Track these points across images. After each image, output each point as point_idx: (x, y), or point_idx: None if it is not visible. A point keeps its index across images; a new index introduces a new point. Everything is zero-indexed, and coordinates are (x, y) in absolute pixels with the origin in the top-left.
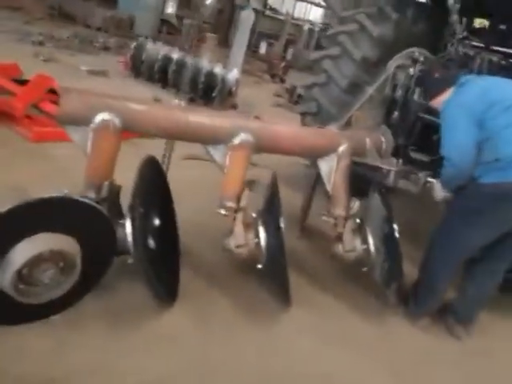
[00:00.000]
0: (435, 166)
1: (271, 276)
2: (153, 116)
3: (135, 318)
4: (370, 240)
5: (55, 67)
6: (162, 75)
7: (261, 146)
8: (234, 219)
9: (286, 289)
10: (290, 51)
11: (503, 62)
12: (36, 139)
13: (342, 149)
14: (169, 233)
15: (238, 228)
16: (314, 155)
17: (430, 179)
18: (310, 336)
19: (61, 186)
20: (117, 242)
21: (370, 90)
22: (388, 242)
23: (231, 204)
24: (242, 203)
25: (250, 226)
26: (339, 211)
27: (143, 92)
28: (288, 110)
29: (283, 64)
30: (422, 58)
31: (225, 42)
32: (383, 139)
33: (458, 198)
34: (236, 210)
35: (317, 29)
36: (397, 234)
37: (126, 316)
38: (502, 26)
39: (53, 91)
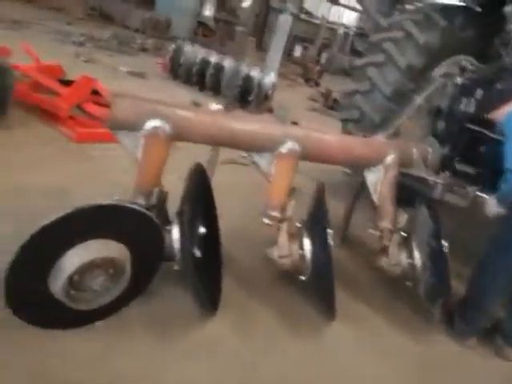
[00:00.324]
0: (482, 179)
1: (315, 289)
2: (201, 123)
3: (179, 325)
4: (416, 254)
5: (95, 68)
6: (199, 78)
7: (307, 155)
8: (279, 229)
9: (330, 303)
10: (325, 55)
11: None
12: (79, 140)
13: (389, 159)
14: (212, 240)
15: (283, 238)
16: (360, 165)
17: (479, 193)
18: (352, 351)
19: (102, 186)
20: (163, 249)
21: (419, 99)
22: (435, 257)
23: (276, 214)
24: (288, 213)
25: (294, 236)
26: (385, 224)
27: (182, 95)
28: (323, 114)
29: (318, 68)
30: (470, 67)
31: (260, 46)
32: (430, 150)
33: None
34: (281, 220)
35: (351, 33)
36: (445, 250)
37: (171, 324)
38: None
39: (96, 92)
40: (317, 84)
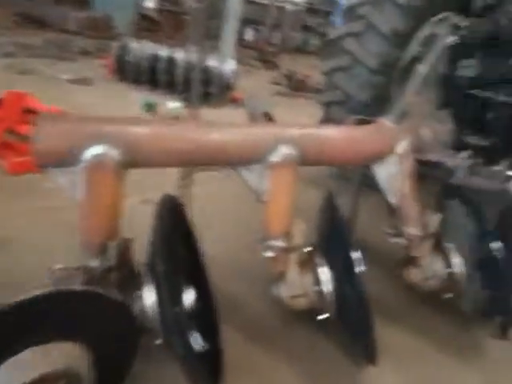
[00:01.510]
0: (498, 151)
1: (345, 329)
2: (163, 140)
3: None
4: (456, 262)
5: (32, 79)
6: (150, 76)
7: (307, 159)
8: (286, 262)
9: (369, 345)
10: (277, 35)
11: None
12: (14, 171)
13: (401, 147)
14: (200, 287)
15: (293, 273)
16: (370, 161)
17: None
18: None
19: (57, 232)
20: (138, 330)
21: (423, 69)
22: (486, 264)
23: (280, 243)
24: (296, 240)
25: (307, 267)
26: (413, 230)
27: (133, 98)
28: (291, 98)
29: (273, 49)
30: (463, 24)
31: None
32: (443, 128)
33: None
34: (288, 250)
35: (301, 9)
36: (498, 254)
37: None
38: None
39: (31, 110)
40: (276, 66)
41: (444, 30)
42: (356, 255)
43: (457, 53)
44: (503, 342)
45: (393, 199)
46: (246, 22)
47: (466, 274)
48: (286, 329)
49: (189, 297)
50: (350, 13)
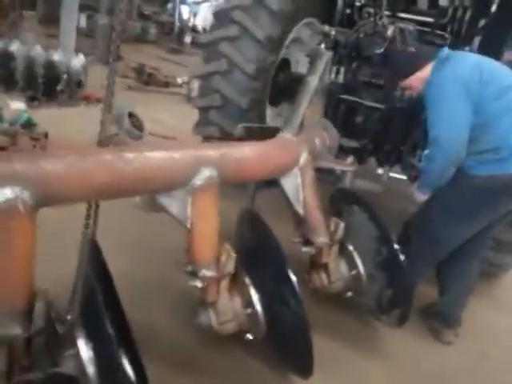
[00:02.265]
0: (368, 152)
1: (278, 347)
2: (81, 173)
3: None
4: (359, 264)
5: None
6: None
7: (226, 180)
8: (217, 290)
9: (306, 359)
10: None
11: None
12: None
13: (303, 159)
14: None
15: (224, 300)
16: (279, 175)
17: (394, 174)
18: None
19: None
20: None
21: (313, 80)
22: (388, 264)
23: (211, 272)
24: (228, 268)
25: (234, 289)
26: (322, 238)
27: None
28: (142, 92)
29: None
30: (333, 32)
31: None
32: (327, 135)
33: (445, 192)
34: (219, 279)
35: None
36: (401, 256)
37: None
38: None
39: None
40: (119, 57)
41: (309, 34)
42: (288, 269)
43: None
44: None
45: (300, 210)
46: (80, 7)
47: (368, 274)
48: (210, 352)
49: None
50: (222, 16)
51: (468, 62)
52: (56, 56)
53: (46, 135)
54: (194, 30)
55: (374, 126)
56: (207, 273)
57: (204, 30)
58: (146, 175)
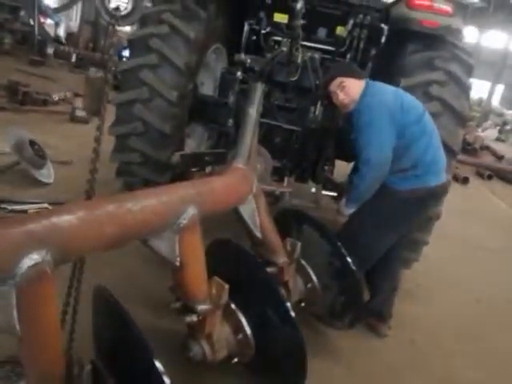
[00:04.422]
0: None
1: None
2: (96, 225)
3: None
4: (314, 278)
5: None
6: None
7: (204, 214)
8: (212, 322)
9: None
10: None
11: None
12: None
13: (255, 186)
14: None
15: (217, 330)
16: (239, 203)
17: (325, 192)
18: None
19: None
20: None
21: (254, 111)
22: (341, 275)
23: (205, 306)
24: (222, 300)
25: (224, 317)
26: (282, 258)
27: None
28: (19, 113)
29: None
30: (248, 60)
31: None
32: (261, 159)
33: (371, 206)
34: (214, 311)
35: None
36: (352, 266)
37: None
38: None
39: None
40: None
41: (214, 59)
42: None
43: (244, 87)
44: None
45: (258, 234)
46: None
47: (322, 285)
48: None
49: None
50: (138, 44)
51: (389, 91)
52: None
53: None
54: (56, 40)
55: (291, 146)
56: (203, 306)
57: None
58: (143, 221)
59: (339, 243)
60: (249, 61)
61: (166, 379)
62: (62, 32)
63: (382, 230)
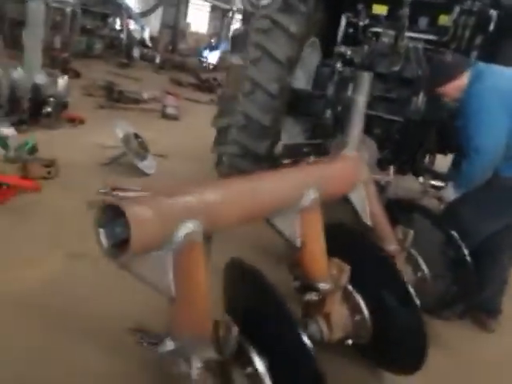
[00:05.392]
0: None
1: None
2: (234, 203)
3: None
4: (424, 267)
5: None
6: None
7: (323, 198)
8: (331, 302)
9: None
10: (58, 38)
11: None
12: None
13: (365, 174)
14: None
15: (337, 312)
16: (351, 190)
17: (433, 182)
18: None
19: None
20: None
21: (363, 99)
22: (455, 265)
23: (326, 285)
24: (342, 281)
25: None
26: (393, 245)
27: None
28: (114, 110)
29: (65, 54)
30: (348, 52)
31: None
32: (371, 148)
33: (477, 191)
34: (334, 291)
35: (78, 10)
36: (467, 257)
37: None
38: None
39: None
40: (77, 74)
41: (309, 52)
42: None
43: (344, 78)
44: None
45: (368, 221)
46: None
47: (432, 275)
48: None
49: None
50: (241, 40)
51: (505, 75)
52: (39, 79)
53: (54, 162)
54: (142, 44)
55: (391, 137)
56: (324, 286)
57: (151, 42)
58: (271, 200)
59: (453, 232)
60: (349, 52)
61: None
62: (147, 36)
63: (484, 216)
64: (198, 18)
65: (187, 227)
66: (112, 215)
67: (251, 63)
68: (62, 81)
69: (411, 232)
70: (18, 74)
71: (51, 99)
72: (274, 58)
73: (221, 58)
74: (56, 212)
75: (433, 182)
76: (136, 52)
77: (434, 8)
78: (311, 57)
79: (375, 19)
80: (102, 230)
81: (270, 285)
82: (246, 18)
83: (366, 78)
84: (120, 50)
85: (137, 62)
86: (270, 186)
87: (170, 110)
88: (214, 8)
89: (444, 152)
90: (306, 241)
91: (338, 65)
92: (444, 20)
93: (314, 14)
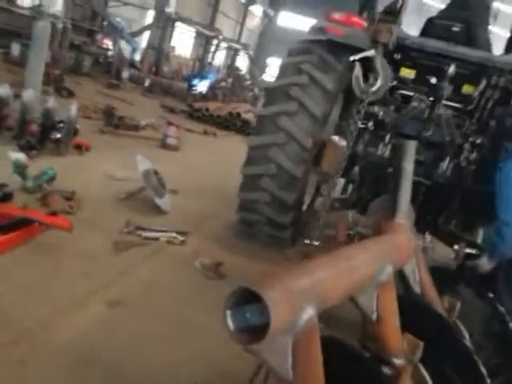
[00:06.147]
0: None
1: None
2: (339, 281)
3: None
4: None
5: None
6: None
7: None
8: (404, 378)
9: None
10: (48, 53)
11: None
12: None
13: (417, 245)
14: None
15: None
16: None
17: (469, 250)
18: None
19: None
20: None
21: (410, 167)
22: (498, 339)
23: (401, 361)
24: (415, 357)
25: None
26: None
27: None
28: (115, 137)
29: (58, 71)
30: (381, 112)
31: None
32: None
33: None
34: (407, 367)
35: (69, 26)
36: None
37: None
38: (428, 77)
39: None
40: (71, 94)
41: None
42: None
43: (374, 136)
44: None
45: (417, 289)
46: (11, 34)
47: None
48: None
49: None
50: (278, 92)
51: None
52: (50, 104)
53: (74, 194)
54: (131, 65)
55: (418, 199)
56: (398, 361)
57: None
58: (361, 275)
59: (502, 308)
60: (381, 113)
61: None
62: (137, 57)
63: None
64: (183, 42)
65: (308, 312)
66: (241, 297)
67: (287, 116)
68: (73, 107)
69: (458, 303)
70: (28, 96)
71: (61, 125)
72: (310, 112)
73: (211, 88)
74: (85, 252)
75: (468, 250)
76: (125, 74)
77: (462, 78)
78: (334, 111)
79: (403, 82)
80: (229, 312)
81: None
82: (283, 71)
83: (412, 145)
84: (108, 69)
85: (125, 84)
86: (360, 262)
87: (170, 141)
88: (199, 34)
89: (470, 219)
90: (382, 315)
91: (370, 124)
92: (468, 90)
93: (346, 72)
